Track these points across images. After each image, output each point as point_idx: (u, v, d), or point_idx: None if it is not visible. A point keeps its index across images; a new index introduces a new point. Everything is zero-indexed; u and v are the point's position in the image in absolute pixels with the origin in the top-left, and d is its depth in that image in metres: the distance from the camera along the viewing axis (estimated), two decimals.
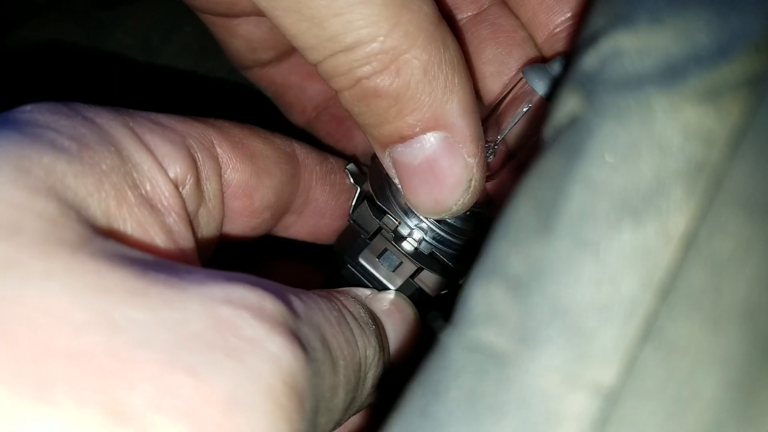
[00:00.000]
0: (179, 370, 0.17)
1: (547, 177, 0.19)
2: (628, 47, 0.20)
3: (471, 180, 0.26)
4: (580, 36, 0.22)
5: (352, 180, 0.32)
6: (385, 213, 0.30)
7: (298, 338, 0.20)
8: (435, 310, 0.31)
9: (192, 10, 0.34)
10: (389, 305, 0.29)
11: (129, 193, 0.22)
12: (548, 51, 0.31)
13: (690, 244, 0.18)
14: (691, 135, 0.18)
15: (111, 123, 0.23)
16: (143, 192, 0.23)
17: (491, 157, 0.30)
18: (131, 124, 0.24)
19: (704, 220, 0.18)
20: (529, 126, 0.30)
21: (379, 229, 0.30)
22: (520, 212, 0.20)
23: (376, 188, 0.31)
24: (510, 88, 0.30)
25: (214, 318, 0.19)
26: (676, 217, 0.18)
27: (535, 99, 0.29)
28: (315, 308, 0.24)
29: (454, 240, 0.30)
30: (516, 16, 0.31)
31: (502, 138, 0.30)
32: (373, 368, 0.26)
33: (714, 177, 0.18)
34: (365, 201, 0.31)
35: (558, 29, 0.30)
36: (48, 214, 0.19)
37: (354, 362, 0.24)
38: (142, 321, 0.18)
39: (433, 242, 0.30)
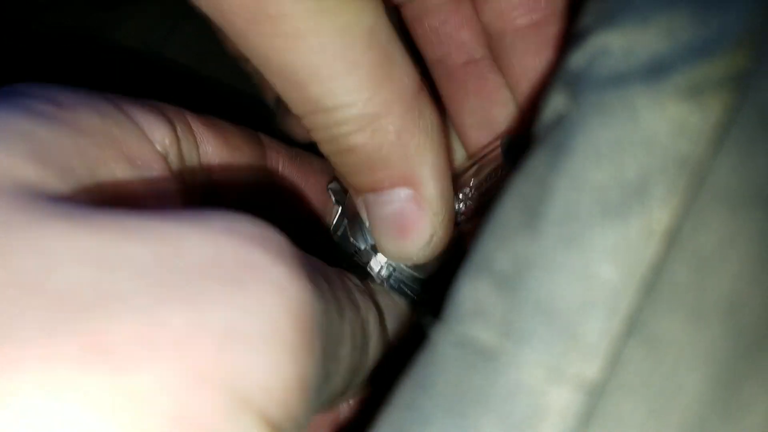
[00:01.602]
0: (171, 301, 0.16)
1: (532, 175, 0.20)
2: (614, 46, 0.20)
3: (433, 236, 0.28)
4: (569, 35, 0.22)
5: (334, 199, 0.33)
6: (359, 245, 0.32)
7: (305, 270, 0.19)
8: (424, 307, 0.32)
9: (193, 10, 0.35)
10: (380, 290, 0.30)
11: (110, 151, 0.22)
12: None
13: (673, 239, 0.18)
14: (675, 131, 0.18)
15: (88, 91, 0.24)
16: (124, 149, 0.23)
17: (462, 207, 0.31)
18: (108, 96, 0.24)
19: (688, 215, 0.18)
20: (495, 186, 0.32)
21: (355, 252, 0.31)
22: (507, 209, 0.20)
23: (351, 223, 0.32)
24: (489, 149, 0.31)
25: (214, 247, 0.17)
26: (659, 213, 0.18)
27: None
28: (315, 259, 0.24)
29: (421, 278, 0.32)
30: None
31: (475, 192, 0.32)
32: (374, 336, 0.26)
33: (697, 173, 0.18)
34: (345, 223, 0.32)
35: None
36: (26, 177, 0.18)
37: (358, 318, 0.24)
38: (134, 255, 0.17)
39: (401, 276, 0.32)
